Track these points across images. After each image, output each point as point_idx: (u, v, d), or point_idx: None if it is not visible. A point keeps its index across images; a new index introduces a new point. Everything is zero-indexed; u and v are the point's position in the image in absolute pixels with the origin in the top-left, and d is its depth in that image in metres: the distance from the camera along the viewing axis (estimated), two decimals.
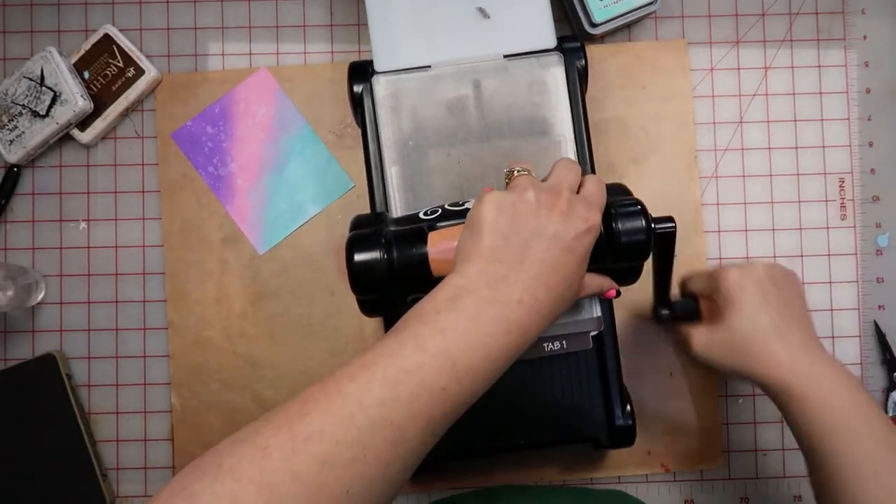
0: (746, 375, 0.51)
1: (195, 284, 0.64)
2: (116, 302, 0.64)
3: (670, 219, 0.49)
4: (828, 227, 0.65)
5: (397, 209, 0.54)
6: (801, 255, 0.65)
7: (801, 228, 0.65)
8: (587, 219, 0.42)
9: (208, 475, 0.33)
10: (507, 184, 0.45)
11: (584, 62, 0.56)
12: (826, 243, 0.65)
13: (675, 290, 0.59)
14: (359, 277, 0.45)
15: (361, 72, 0.56)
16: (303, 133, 0.64)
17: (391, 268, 0.44)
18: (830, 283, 0.65)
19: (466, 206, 0.47)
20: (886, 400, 0.64)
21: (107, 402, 0.64)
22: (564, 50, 0.56)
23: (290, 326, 0.64)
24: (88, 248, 0.64)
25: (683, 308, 0.57)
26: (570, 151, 0.55)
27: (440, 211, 0.48)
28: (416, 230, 0.46)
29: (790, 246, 0.65)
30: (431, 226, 0.46)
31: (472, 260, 0.40)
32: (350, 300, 0.46)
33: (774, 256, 0.65)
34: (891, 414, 0.63)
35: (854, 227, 0.65)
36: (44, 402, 0.62)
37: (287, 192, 0.64)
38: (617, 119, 0.65)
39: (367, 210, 0.56)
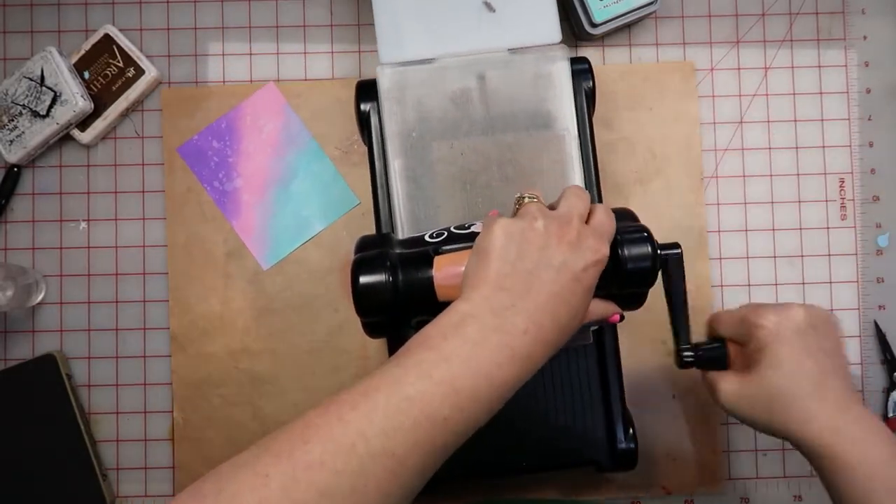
0: (781, 434, 0.47)
1: (199, 299, 0.64)
2: (116, 302, 0.64)
3: (676, 245, 0.48)
4: (828, 227, 0.65)
5: (403, 224, 0.54)
6: (802, 255, 0.65)
7: (801, 228, 0.65)
8: (597, 250, 0.41)
9: (208, 499, 0.33)
10: (517, 210, 0.44)
11: (591, 84, 0.56)
12: (826, 243, 0.65)
13: (697, 328, 0.53)
14: (364, 300, 0.45)
15: (369, 91, 0.56)
16: (309, 149, 0.64)
17: (396, 291, 0.44)
18: (830, 283, 0.65)
19: (472, 229, 0.47)
20: (886, 400, 0.64)
21: (107, 402, 0.64)
22: (573, 71, 0.55)
23: (293, 342, 0.63)
24: (88, 248, 0.64)
25: (711, 354, 0.51)
26: (573, 145, 0.55)
27: (446, 234, 0.48)
28: (421, 254, 0.46)
29: (790, 246, 0.65)
30: (437, 249, 0.46)
31: (479, 286, 0.40)
32: (353, 318, 0.46)
33: (774, 256, 0.65)
34: (891, 414, 0.63)
35: (854, 227, 0.65)
36: (44, 402, 0.62)
37: (292, 207, 0.64)
38: (624, 140, 0.65)
39: (371, 228, 0.56)
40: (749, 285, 0.65)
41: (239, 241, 0.64)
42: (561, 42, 0.56)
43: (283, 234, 0.64)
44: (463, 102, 0.55)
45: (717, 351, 0.50)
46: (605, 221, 0.44)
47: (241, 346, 0.63)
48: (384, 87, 0.55)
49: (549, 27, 0.56)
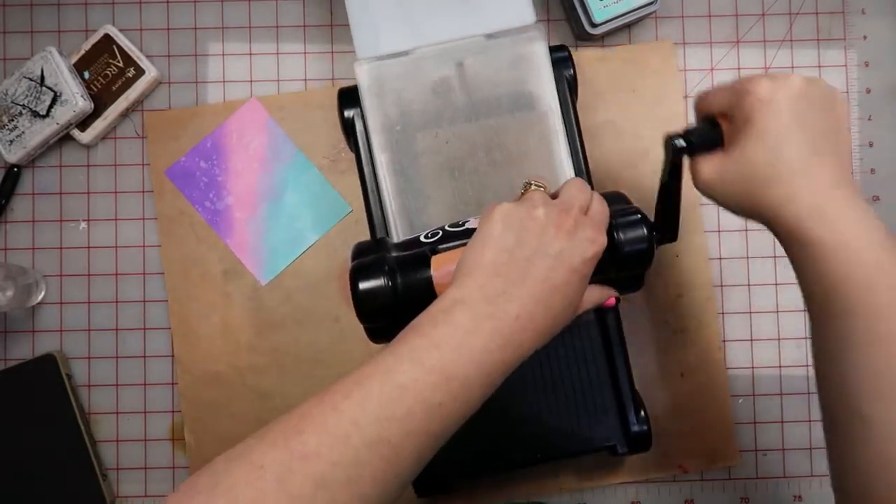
0: (757, 215, 0.43)
1: (200, 320, 0.63)
2: (116, 302, 0.64)
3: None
4: None
5: (396, 224, 0.54)
6: None
7: None
8: (594, 240, 0.41)
9: (203, 494, 0.33)
10: (521, 194, 0.45)
11: (572, 71, 0.57)
12: None
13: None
14: (364, 305, 0.45)
15: (351, 97, 0.56)
16: (296, 161, 0.64)
17: (396, 294, 0.45)
18: None
19: (467, 226, 0.47)
20: None
21: (107, 402, 0.64)
22: (553, 60, 0.56)
23: (298, 355, 0.63)
24: (88, 248, 0.64)
25: (703, 136, 0.45)
26: (557, 123, 0.55)
27: (441, 233, 0.48)
28: (418, 255, 0.46)
29: None
30: (434, 249, 0.46)
31: (473, 273, 0.40)
32: (355, 325, 0.47)
33: (775, 256, 0.65)
34: None
35: None
36: (44, 402, 0.62)
37: (285, 221, 0.64)
38: (610, 123, 0.65)
39: (365, 235, 0.56)
40: (749, 285, 0.65)
41: (235, 259, 0.64)
42: (536, 22, 0.56)
43: (278, 248, 0.64)
44: (444, 91, 0.55)
45: (709, 132, 0.45)
46: (599, 210, 0.44)
47: (247, 364, 0.63)
48: (364, 83, 0.55)
49: (523, 9, 0.56)
